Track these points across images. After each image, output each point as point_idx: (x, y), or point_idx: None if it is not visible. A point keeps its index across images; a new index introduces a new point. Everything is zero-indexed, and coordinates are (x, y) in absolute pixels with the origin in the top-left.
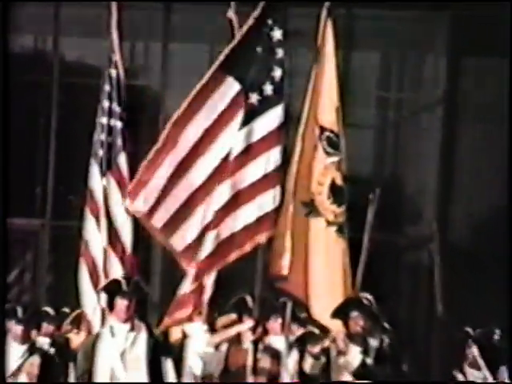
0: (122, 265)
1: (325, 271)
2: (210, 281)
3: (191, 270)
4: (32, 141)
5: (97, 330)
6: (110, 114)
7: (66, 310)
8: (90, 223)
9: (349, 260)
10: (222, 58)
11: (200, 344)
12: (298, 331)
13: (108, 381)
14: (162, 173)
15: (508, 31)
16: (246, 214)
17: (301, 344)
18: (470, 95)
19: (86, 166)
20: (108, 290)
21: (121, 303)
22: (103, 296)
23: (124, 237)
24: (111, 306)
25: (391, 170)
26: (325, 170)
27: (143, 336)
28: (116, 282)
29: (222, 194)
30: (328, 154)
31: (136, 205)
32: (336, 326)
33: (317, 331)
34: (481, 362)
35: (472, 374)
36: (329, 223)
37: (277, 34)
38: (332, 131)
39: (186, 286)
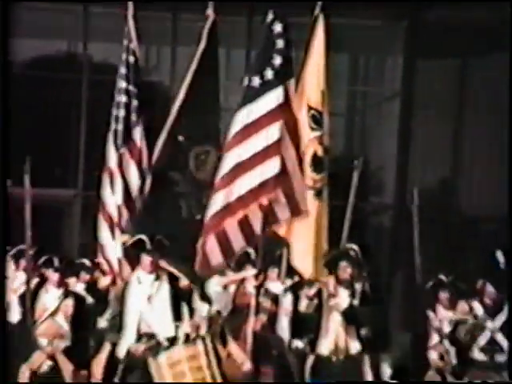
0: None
1: (302, 228)
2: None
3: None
4: (66, 125)
5: (120, 277)
6: (127, 93)
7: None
8: (106, 186)
9: (326, 221)
10: None
11: (211, 285)
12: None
13: (136, 321)
14: None
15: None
16: (251, 180)
17: (297, 289)
18: (422, 90)
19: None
20: (134, 247)
21: (146, 259)
22: (122, 249)
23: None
24: (138, 259)
25: (358, 149)
26: (308, 143)
27: (165, 284)
28: (141, 240)
29: (228, 163)
30: (312, 129)
31: None
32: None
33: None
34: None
35: (442, 313)
36: (308, 188)
37: (277, 27)
38: (317, 110)
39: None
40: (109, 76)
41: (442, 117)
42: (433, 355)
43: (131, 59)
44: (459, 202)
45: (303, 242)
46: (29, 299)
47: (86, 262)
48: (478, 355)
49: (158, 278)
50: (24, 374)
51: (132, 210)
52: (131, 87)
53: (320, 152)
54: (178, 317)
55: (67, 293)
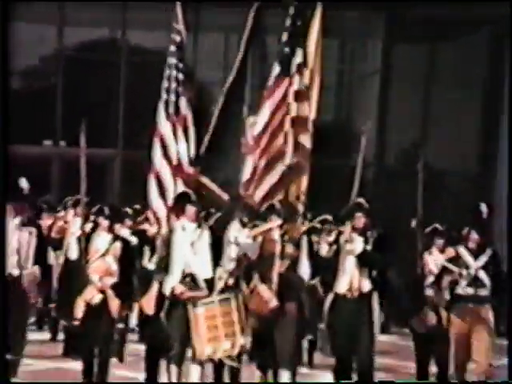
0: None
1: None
2: None
3: None
4: (109, 98)
5: (163, 224)
6: (177, 67)
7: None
8: (157, 150)
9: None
10: None
11: (242, 237)
12: None
13: (181, 263)
14: None
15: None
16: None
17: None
18: (398, 67)
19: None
20: (180, 198)
21: (190, 209)
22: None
23: (182, 159)
24: (183, 210)
25: (345, 117)
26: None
27: (206, 232)
28: (186, 193)
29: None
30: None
31: None
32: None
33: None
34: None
35: (437, 256)
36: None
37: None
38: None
39: None
40: (141, 57)
41: (415, 89)
42: (429, 292)
43: (178, 39)
44: (428, 158)
45: None
46: (83, 241)
47: (129, 210)
48: (464, 290)
49: (199, 226)
50: (79, 304)
51: (178, 171)
52: (179, 63)
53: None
54: (216, 261)
55: (116, 237)
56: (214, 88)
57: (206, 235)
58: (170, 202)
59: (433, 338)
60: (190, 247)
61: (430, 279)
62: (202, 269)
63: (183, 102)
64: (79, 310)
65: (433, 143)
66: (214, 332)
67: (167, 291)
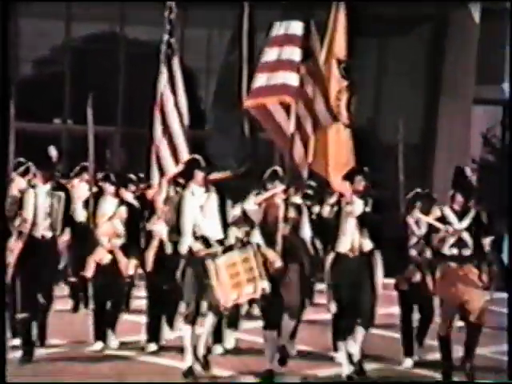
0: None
1: (338, 156)
2: None
3: None
4: (109, 79)
5: (163, 191)
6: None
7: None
8: (157, 122)
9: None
10: None
11: (248, 204)
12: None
13: (192, 226)
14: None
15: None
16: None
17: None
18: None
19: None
20: (190, 163)
21: (199, 174)
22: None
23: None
24: (192, 175)
25: None
26: (342, 90)
27: (214, 195)
28: (195, 159)
29: None
30: (344, 78)
31: None
32: (344, 189)
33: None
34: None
35: (419, 218)
36: (345, 126)
37: None
38: (346, 62)
39: None
40: (137, 48)
41: (368, 76)
42: (413, 252)
43: (172, 16)
44: (380, 132)
45: (338, 166)
46: (92, 206)
47: (133, 176)
48: (448, 250)
49: (207, 190)
50: (90, 264)
51: (173, 138)
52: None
53: (350, 96)
54: (225, 223)
55: (121, 201)
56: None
57: (214, 199)
58: (170, 171)
59: (416, 294)
60: (199, 211)
61: (414, 240)
62: (213, 231)
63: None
64: (90, 269)
65: (384, 119)
66: (237, 278)
67: (184, 250)
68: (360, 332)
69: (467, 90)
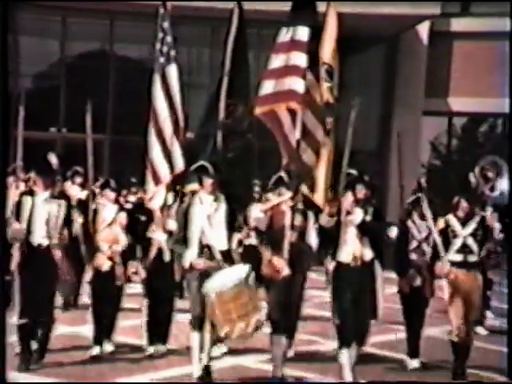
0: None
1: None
2: None
3: None
4: (101, 93)
5: (160, 198)
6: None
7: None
8: (151, 133)
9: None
10: None
11: (254, 212)
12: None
13: (198, 235)
14: None
15: None
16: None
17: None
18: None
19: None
20: (198, 170)
21: (208, 181)
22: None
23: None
24: (201, 182)
25: None
26: (323, 92)
27: (223, 205)
28: (204, 166)
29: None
30: (326, 80)
31: None
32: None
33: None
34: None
35: (418, 223)
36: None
37: None
38: (330, 65)
39: None
40: (126, 65)
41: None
42: (413, 256)
43: (166, 22)
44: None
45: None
46: (91, 212)
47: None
48: (453, 256)
49: (216, 199)
50: (90, 270)
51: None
52: (166, 39)
53: (331, 100)
54: (231, 231)
55: (121, 208)
56: None
57: (222, 208)
58: (166, 178)
59: (417, 297)
60: (206, 220)
61: (414, 244)
62: (218, 241)
63: (173, 69)
64: (89, 276)
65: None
66: (228, 315)
67: (186, 264)
68: (353, 348)
69: (417, 102)
